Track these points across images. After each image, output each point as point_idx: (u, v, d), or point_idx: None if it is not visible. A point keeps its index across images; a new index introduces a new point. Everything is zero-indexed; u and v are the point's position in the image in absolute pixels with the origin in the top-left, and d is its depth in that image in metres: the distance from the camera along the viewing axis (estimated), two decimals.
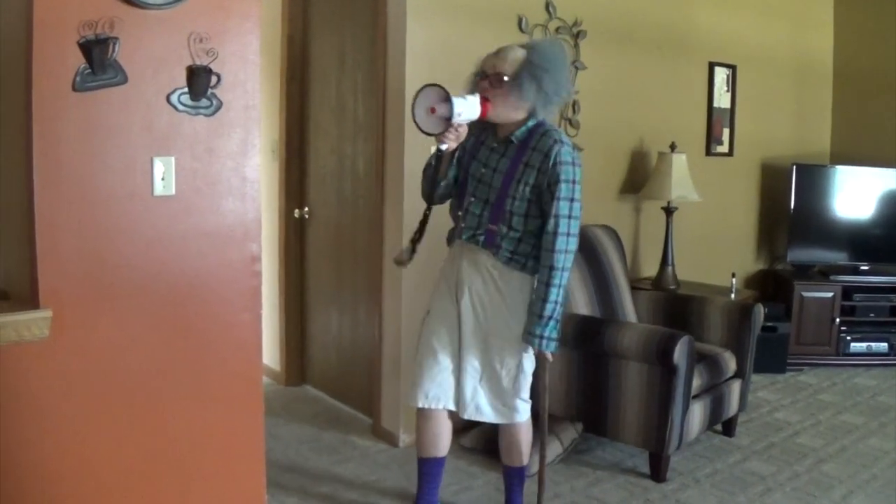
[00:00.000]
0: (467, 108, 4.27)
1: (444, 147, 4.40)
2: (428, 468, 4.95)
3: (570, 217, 4.43)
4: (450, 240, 4.80)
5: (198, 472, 4.07)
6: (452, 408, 4.74)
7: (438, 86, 4.20)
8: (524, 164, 4.47)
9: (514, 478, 5.06)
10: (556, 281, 4.43)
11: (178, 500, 4.03)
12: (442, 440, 4.90)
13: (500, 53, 4.46)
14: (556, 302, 4.44)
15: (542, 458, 4.85)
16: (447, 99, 4.16)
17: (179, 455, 3.99)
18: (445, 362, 4.69)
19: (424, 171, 4.73)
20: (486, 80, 4.43)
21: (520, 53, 4.42)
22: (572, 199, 4.43)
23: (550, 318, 4.45)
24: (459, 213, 4.67)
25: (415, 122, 4.26)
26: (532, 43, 4.60)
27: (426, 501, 4.99)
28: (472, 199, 4.58)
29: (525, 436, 4.90)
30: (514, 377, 4.66)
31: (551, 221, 4.42)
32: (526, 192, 4.47)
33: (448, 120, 4.19)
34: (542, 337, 4.47)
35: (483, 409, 4.70)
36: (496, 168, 4.54)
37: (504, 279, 4.57)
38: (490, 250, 4.54)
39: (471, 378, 4.65)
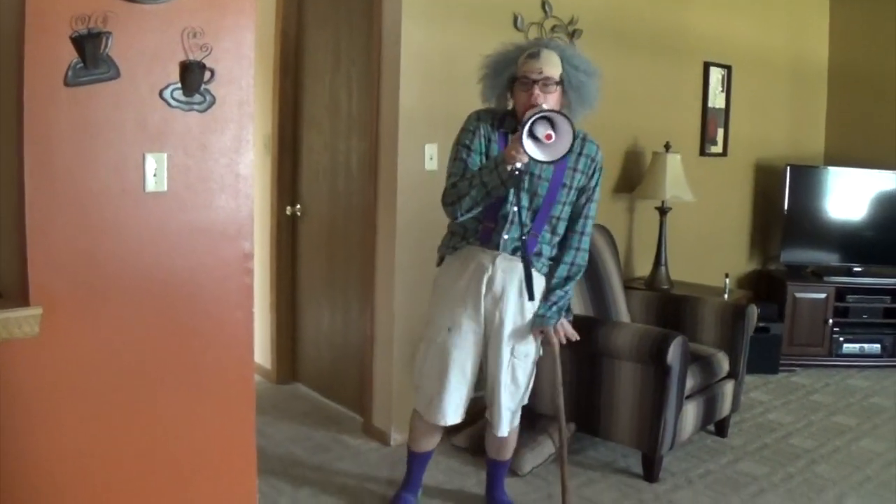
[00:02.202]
0: None
1: (520, 165, 4.13)
2: (423, 459, 5.07)
3: (594, 218, 4.72)
4: (454, 247, 4.66)
5: (190, 470, 4.04)
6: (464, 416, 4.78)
7: (553, 112, 4.05)
8: (573, 169, 4.51)
9: (501, 470, 5.15)
10: (577, 277, 4.68)
11: (171, 497, 4.01)
12: (438, 437, 4.99)
13: (542, 57, 4.34)
14: (570, 294, 4.71)
15: (563, 461, 4.88)
16: (549, 119, 4.01)
17: (171, 452, 3.97)
18: (470, 379, 4.69)
19: (474, 188, 4.30)
20: (532, 86, 4.31)
21: (556, 57, 4.36)
22: (598, 201, 4.69)
23: (563, 306, 4.66)
24: (490, 224, 4.50)
25: (537, 159, 4.03)
26: (559, 45, 4.53)
27: (415, 485, 5.14)
28: (514, 208, 4.44)
29: (515, 433, 4.97)
30: (529, 382, 4.77)
31: (582, 222, 4.63)
32: (573, 197, 4.56)
33: (573, 140, 4.02)
34: (553, 318, 4.63)
35: (509, 422, 4.76)
36: (540, 175, 4.44)
37: (537, 286, 4.58)
38: (530, 258, 4.50)
39: (504, 393, 4.66)
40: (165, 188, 3.77)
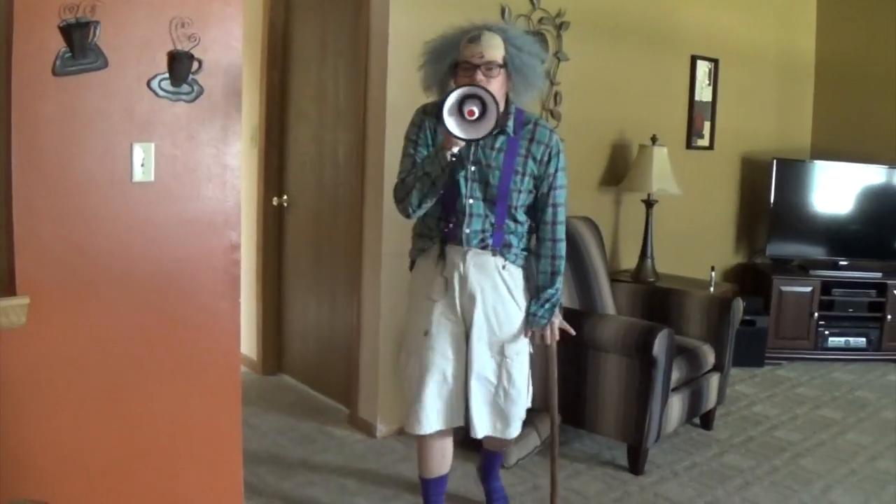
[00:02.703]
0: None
1: (456, 150, 4.02)
2: (436, 488, 4.76)
3: (564, 205, 4.46)
4: (422, 249, 4.52)
5: (176, 459, 4.05)
6: (460, 423, 4.52)
7: (471, 85, 3.92)
8: (524, 157, 4.32)
9: (497, 459, 5.10)
10: (561, 268, 4.50)
11: (157, 486, 4.01)
12: (449, 458, 4.72)
13: (483, 41, 4.17)
14: (560, 289, 4.54)
15: (553, 457, 4.89)
16: (479, 97, 3.84)
17: (158, 442, 3.97)
18: (453, 382, 4.44)
19: (419, 180, 4.17)
20: (474, 71, 4.13)
21: (498, 39, 4.19)
22: (564, 187, 4.45)
23: (556, 303, 4.52)
24: (451, 219, 4.35)
25: (455, 134, 3.85)
26: (502, 27, 4.35)
27: None
28: (471, 200, 4.30)
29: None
30: (527, 382, 4.58)
31: (549, 211, 4.42)
32: (529, 184, 4.36)
33: (496, 121, 3.87)
34: (545, 317, 4.52)
35: (497, 425, 4.54)
36: (490, 164, 4.29)
37: (514, 281, 4.46)
38: (499, 251, 4.38)
39: (485, 394, 4.46)
40: (153, 178, 3.78)
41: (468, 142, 3.97)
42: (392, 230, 5.89)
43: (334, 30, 6.62)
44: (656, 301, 6.73)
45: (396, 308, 5.97)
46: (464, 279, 4.37)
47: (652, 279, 7.46)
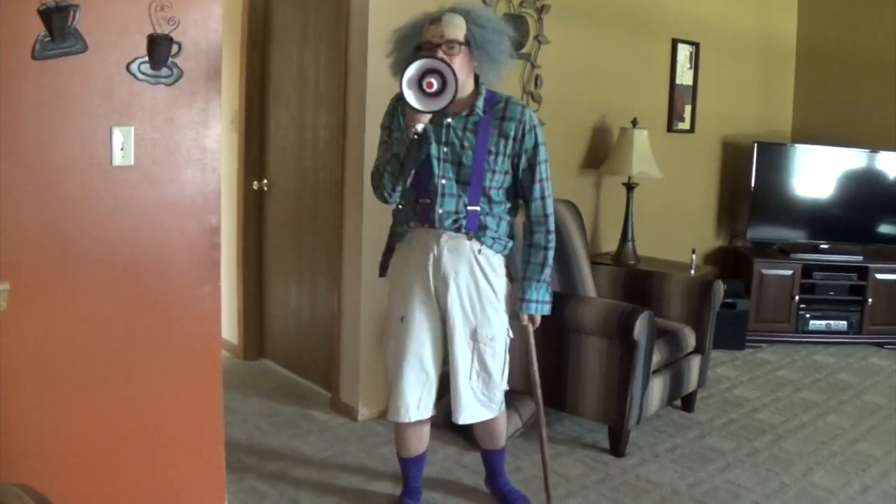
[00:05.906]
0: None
1: (420, 128, 4.08)
2: (415, 464, 4.86)
3: (549, 179, 4.47)
4: (402, 234, 4.53)
5: (157, 445, 4.05)
6: (435, 411, 4.61)
7: (431, 58, 3.96)
8: (497, 135, 4.32)
9: (498, 458, 5.04)
10: (553, 244, 4.51)
11: (138, 472, 4.02)
12: (425, 439, 4.79)
13: (444, 21, 4.16)
14: (551, 265, 4.53)
15: (542, 439, 4.91)
16: (437, 70, 3.90)
17: (138, 427, 3.97)
18: (431, 369, 4.49)
19: (389, 163, 4.23)
20: (435, 50, 4.12)
21: (459, 19, 4.18)
22: (547, 161, 4.44)
23: (547, 281, 4.54)
24: (425, 201, 4.34)
25: (413, 105, 3.93)
26: (465, 7, 4.29)
27: (415, 490, 4.92)
28: (443, 180, 4.31)
29: (504, 419, 4.87)
30: (503, 366, 4.58)
31: (537, 187, 4.43)
32: (504, 164, 4.36)
33: (454, 92, 3.91)
34: (539, 301, 4.55)
35: (475, 410, 4.56)
36: (462, 144, 4.29)
37: (490, 264, 4.44)
38: (475, 234, 4.37)
39: (462, 379, 4.47)
40: (132, 162, 3.77)
41: (429, 114, 4.02)
42: (372, 213, 5.87)
43: (315, 12, 6.60)
44: (637, 284, 6.72)
45: (377, 292, 5.96)
46: (437, 262, 4.38)
47: (633, 262, 7.48)
